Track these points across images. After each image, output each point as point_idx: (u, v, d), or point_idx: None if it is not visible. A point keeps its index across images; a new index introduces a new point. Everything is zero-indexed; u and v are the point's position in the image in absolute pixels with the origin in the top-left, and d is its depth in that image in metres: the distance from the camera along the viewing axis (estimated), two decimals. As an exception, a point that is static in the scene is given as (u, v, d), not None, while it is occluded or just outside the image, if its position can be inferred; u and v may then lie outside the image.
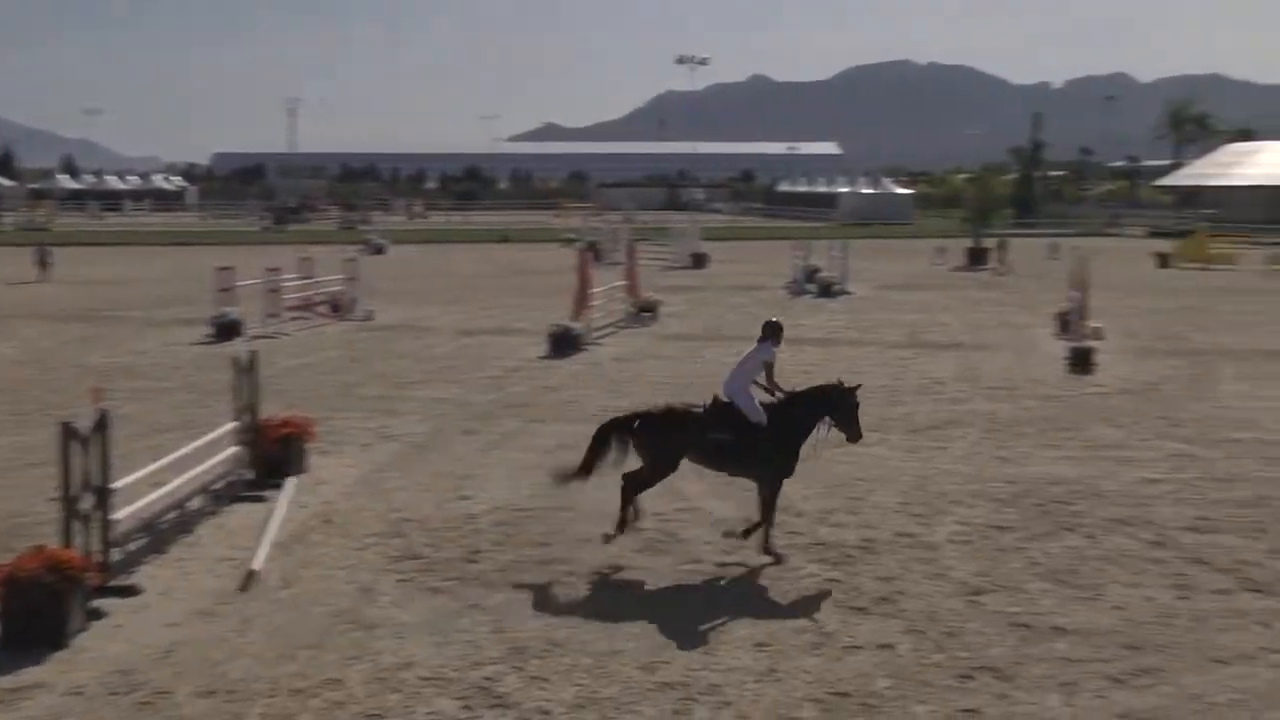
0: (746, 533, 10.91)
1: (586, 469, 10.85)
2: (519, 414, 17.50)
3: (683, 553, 10.99)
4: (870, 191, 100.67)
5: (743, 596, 9.88)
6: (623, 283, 30.16)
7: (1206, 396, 19.34)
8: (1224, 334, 27.74)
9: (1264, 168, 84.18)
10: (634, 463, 10.99)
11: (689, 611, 9.51)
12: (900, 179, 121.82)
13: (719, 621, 9.29)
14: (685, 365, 22.33)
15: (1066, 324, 25.48)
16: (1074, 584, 10.20)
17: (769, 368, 10.94)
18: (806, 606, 9.65)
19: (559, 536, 11.41)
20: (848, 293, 36.54)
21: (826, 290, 36.54)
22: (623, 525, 10.91)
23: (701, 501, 12.69)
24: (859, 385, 11.05)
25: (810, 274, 37.93)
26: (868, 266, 43.82)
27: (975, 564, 10.73)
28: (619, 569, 10.52)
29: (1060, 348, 23.68)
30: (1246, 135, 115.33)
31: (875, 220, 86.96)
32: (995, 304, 34.57)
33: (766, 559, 10.65)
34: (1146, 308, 33.50)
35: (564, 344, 23.84)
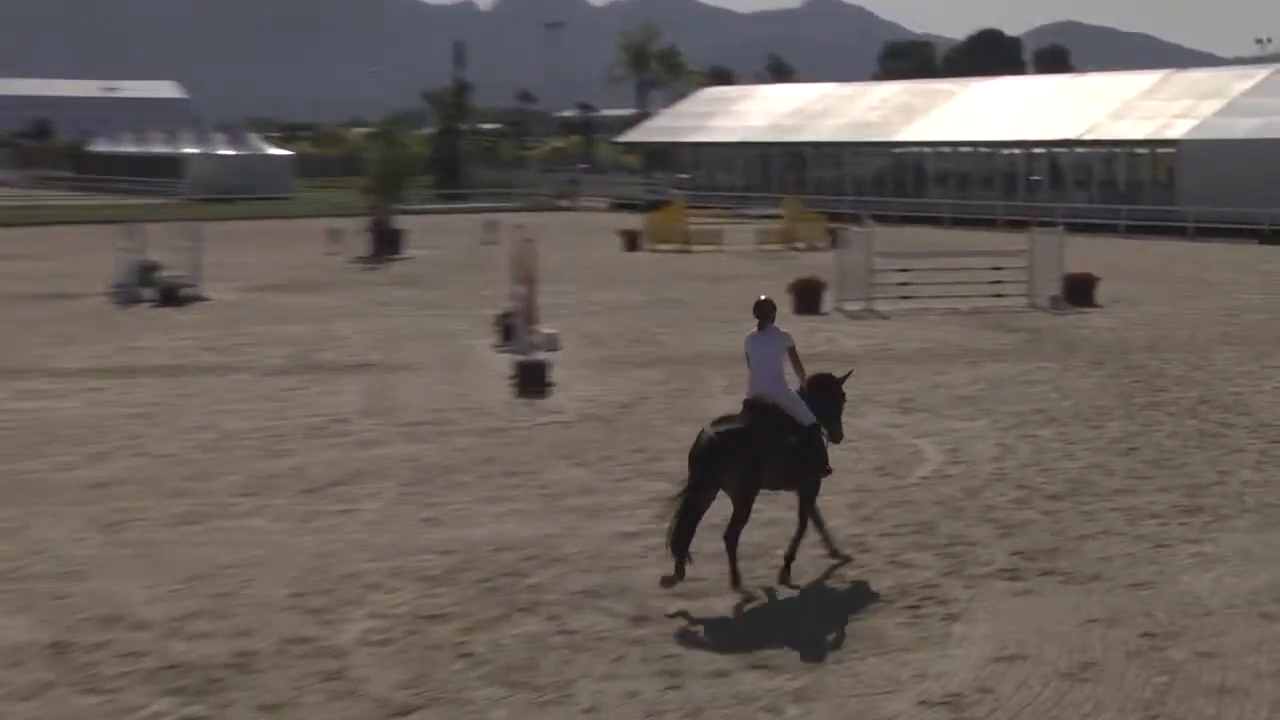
0: (788, 561, 13.15)
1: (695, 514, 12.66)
2: None
3: None
4: (231, 152, 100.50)
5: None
6: None
7: (693, 418, 20.81)
8: (708, 334, 30.05)
9: (748, 119, 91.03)
10: None
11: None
12: (273, 135, 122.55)
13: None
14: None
15: (510, 331, 26.60)
16: (533, 684, 10.63)
17: (793, 352, 13.33)
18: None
19: None
20: (204, 298, 36.47)
21: (172, 295, 36.18)
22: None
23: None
24: (849, 374, 14.12)
25: (147, 273, 37.31)
26: (232, 260, 43.87)
27: (399, 672, 10.91)
28: None
29: (503, 363, 24.73)
30: (725, 78, 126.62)
31: (240, 193, 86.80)
32: (414, 306, 35.58)
33: (834, 561, 13.40)
34: (613, 303, 35.80)
35: None
